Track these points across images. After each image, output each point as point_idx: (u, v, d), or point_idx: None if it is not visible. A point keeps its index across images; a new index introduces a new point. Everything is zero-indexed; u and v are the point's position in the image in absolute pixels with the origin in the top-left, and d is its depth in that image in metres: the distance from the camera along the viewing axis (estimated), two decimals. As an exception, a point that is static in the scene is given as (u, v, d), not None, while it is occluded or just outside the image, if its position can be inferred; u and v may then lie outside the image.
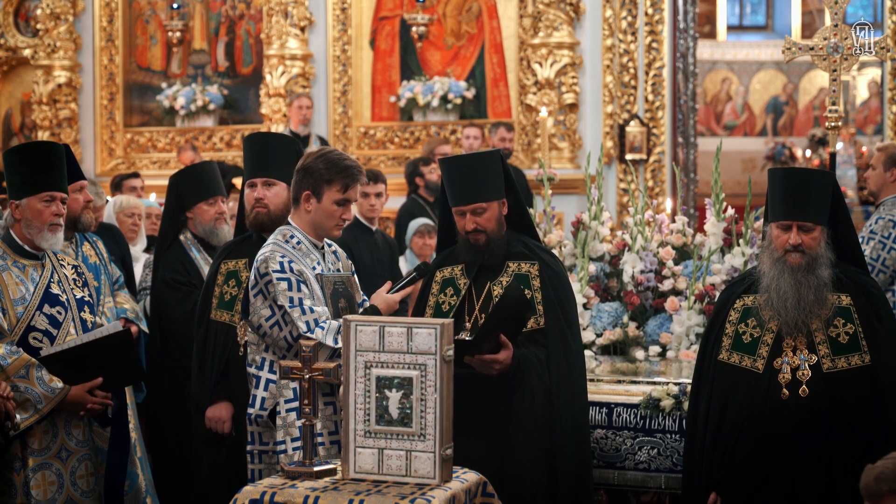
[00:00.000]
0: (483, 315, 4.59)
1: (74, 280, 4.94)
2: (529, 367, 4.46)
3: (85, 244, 5.61)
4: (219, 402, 5.29)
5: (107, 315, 5.41)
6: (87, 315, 4.92)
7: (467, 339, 4.51)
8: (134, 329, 5.67)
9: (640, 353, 5.67)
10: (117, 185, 9.03)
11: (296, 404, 4.49)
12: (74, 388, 4.72)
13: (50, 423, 4.75)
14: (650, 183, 11.21)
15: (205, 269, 5.88)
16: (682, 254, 6.05)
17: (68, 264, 4.96)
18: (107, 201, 7.03)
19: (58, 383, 4.68)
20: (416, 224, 8.60)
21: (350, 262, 4.95)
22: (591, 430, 4.84)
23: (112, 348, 4.78)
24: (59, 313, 4.80)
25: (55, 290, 4.83)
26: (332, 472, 3.99)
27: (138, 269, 6.76)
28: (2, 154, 4.90)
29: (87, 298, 4.96)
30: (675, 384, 4.98)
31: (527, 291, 4.53)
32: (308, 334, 4.40)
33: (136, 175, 9.15)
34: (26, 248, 4.80)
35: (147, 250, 7.21)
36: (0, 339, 4.65)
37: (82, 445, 4.86)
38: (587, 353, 5.30)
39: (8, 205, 4.83)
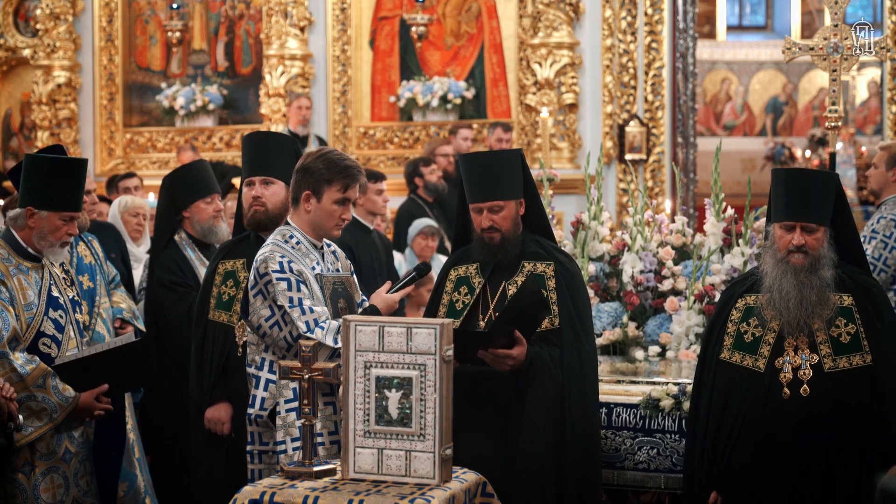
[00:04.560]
0: (497, 314, 4.58)
1: (65, 279, 4.96)
2: (542, 366, 4.46)
3: (80, 244, 5.60)
4: (218, 402, 5.28)
5: (102, 316, 5.41)
6: (79, 316, 4.94)
7: (481, 331, 4.50)
8: (130, 329, 5.66)
9: (639, 353, 5.67)
10: (114, 186, 9.02)
11: (295, 404, 4.48)
12: (84, 396, 4.76)
13: (57, 428, 4.77)
14: (650, 183, 11.20)
15: (200, 270, 5.87)
16: (682, 254, 6.05)
17: (56, 262, 4.97)
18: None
19: (70, 392, 4.72)
20: (420, 224, 8.59)
21: (349, 262, 4.95)
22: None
23: (128, 358, 4.82)
24: (62, 317, 4.83)
25: (55, 292, 4.85)
26: (331, 472, 3.98)
27: (139, 271, 6.74)
28: (27, 157, 4.87)
29: (76, 298, 4.99)
30: (675, 384, 4.97)
31: (542, 292, 4.52)
32: (308, 334, 4.39)
33: (132, 175, 9.13)
34: (29, 250, 4.81)
35: (151, 251, 7.19)
36: (15, 346, 4.66)
37: (82, 447, 4.89)
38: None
39: (25, 210, 4.80)
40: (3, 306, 4.64)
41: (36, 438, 4.68)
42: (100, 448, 4.96)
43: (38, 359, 4.69)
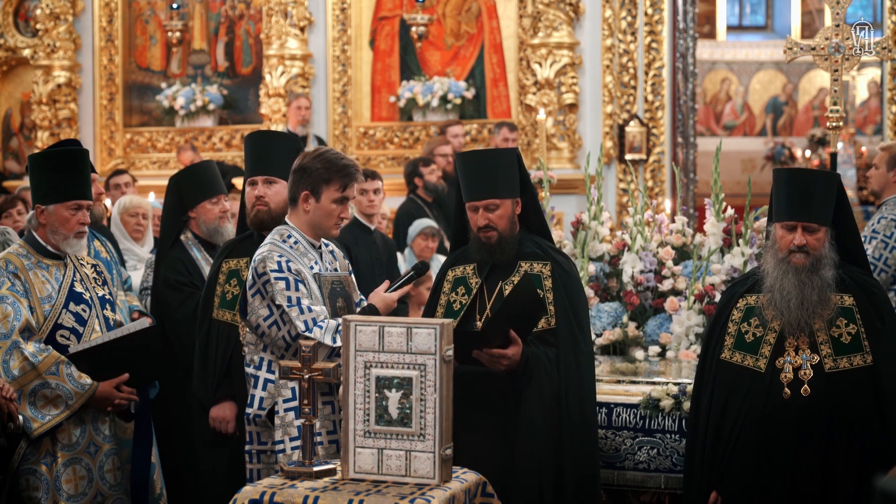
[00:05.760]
0: (493, 314, 4.57)
1: (95, 279, 5.01)
2: (539, 366, 4.45)
3: (95, 241, 5.66)
4: (222, 401, 5.29)
5: (119, 307, 5.46)
6: (109, 313, 4.98)
7: (476, 330, 4.49)
8: (148, 321, 5.69)
9: (639, 354, 5.67)
10: (106, 184, 9.01)
11: (294, 404, 4.48)
12: (102, 385, 4.78)
13: (79, 419, 4.80)
14: (650, 183, 11.20)
15: (206, 270, 5.87)
16: (682, 254, 6.05)
17: (88, 263, 5.04)
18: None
19: (87, 380, 4.74)
20: (420, 225, 8.57)
21: (347, 261, 4.95)
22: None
23: (140, 344, 4.83)
24: (84, 311, 4.87)
25: (79, 288, 4.90)
26: (331, 472, 3.98)
27: (141, 272, 6.73)
28: (29, 157, 4.96)
29: (107, 297, 5.03)
30: (675, 384, 4.97)
31: (539, 292, 4.51)
32: (306, 333, 4.39)
33: (122, 172, 9.12)
34: (49, 248, 4.87)
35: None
36: (29, 337, 4.70)
37: (109, 440, 4.92)
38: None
39: (34, 207, 4.88)
40: (16, 298, 4.71)
41: (56, 427, 4.72)
42: (133, 440, 4.99)
43: (50, 347, 4.73)
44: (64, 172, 4.84)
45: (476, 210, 4.59)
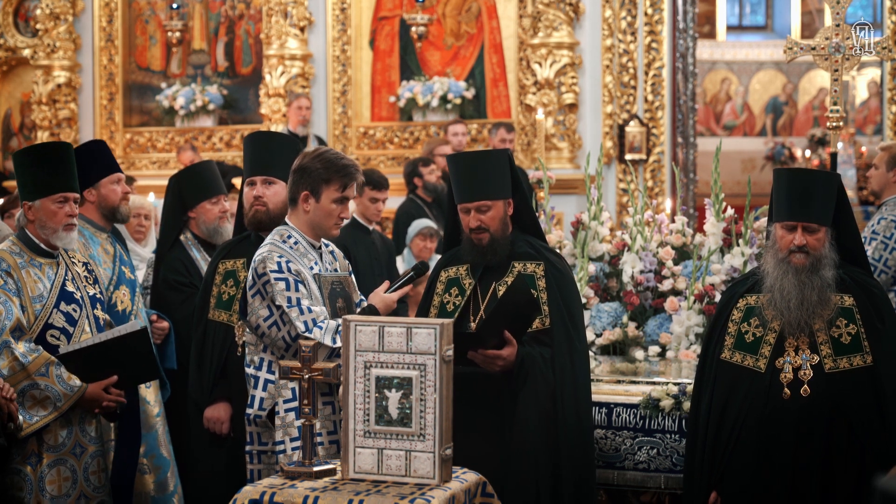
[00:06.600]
0: (487, 315, 4.57)
1: (86, 277, 5.00)
2: (534, 366, 4.45)
3: (118, 244, 5.69)
4: (217, 402, 5.29)
5: (139, 306, 5.49)
6: (99, 312, 4.97)
7: (471, 331, 4.49)
8: (166, 325, 5.69)
9: (639, 354, 5.67)
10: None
11: (294, 404, 4.48)
12: (91, 386, 4.77)
13: (65, 420, 4.78)
14: (650, 183, 11.20)
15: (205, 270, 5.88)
16: (682, 254, 6.05)
17: (79, 262, 5.03)
18: None
19: (76, 381, 4.73)
20: (419, 225, 8.58)
21: (347, 262, 4.95)
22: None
23: (129, 347, 4.82)
24: (75, 311, 4.86)
25: (70, 287, 4.89)
26: (331, 472, 3.98)
27: (141, 274, 6.73)
28: (13, 155, 4.96)
29: (98, 296, 5.02)
30: (675, 384, 4.97)
31: (532, 292, 4.52)
32: (306, 334, 4.39)
33: None
34: (42, 246, 4.86)
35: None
36: (20, 336, 4.69)
37: (95, 442, 4.91)
38: (586, 353, 5.29)
39: (21, 205, 4.89)
40: (7, 297, 4.69)
41: (42, 428, 4.70)
42: (118, 443, 4.98)
43: (41, 348, 4.71)
44: (47, 167, 4.83)
45: (468, 211, 4.60)
